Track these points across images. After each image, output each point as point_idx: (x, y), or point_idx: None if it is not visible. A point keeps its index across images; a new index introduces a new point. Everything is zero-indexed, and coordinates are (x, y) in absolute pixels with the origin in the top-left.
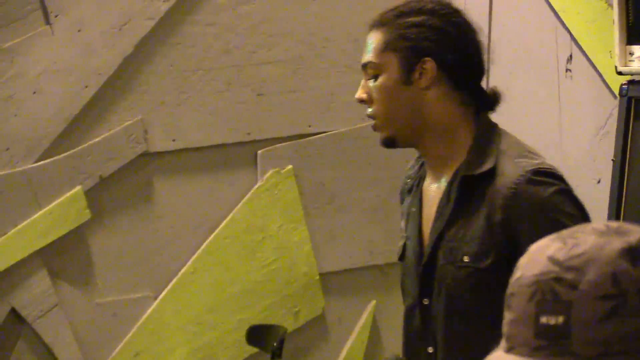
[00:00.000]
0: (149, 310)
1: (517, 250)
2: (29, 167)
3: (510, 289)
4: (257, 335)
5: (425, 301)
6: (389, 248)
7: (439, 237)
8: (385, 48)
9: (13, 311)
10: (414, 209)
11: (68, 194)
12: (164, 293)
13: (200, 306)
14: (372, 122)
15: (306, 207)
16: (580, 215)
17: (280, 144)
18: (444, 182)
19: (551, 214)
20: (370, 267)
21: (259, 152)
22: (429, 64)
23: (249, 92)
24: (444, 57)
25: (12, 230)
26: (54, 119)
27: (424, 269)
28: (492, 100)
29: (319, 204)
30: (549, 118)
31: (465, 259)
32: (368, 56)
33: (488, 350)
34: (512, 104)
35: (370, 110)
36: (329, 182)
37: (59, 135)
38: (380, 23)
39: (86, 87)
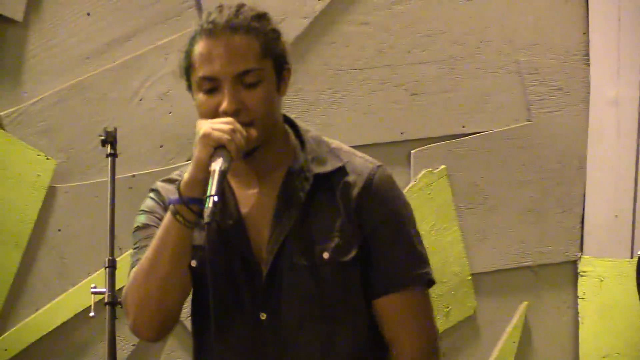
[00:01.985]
0: None
1: (369, 241)
2: (182, 164)
3: None
4: None
5: (263, 316)
6: (542, 249)
7: (285, 242)
8: (264, 55)
9: None
10: (230, 222)
11: None
12: None
13: None
14: (524, 123)
15: (459, 207)
16: (410, 208)
17: (433, 144)
18: (270, 189)
19: (397, 206)
20: (522, 268)
21: (413, 151)
22: (287, 72)
23: (403, 91)
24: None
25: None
26: None
27: (266, 278)
28: None
29: (471, 204)
30: None
31: (325, 255)
32: (245, 63)
33: (353, 350)
34: None
35: (244, 118)
36: (481, 182)
37: None
38: (246, 28)
39: None
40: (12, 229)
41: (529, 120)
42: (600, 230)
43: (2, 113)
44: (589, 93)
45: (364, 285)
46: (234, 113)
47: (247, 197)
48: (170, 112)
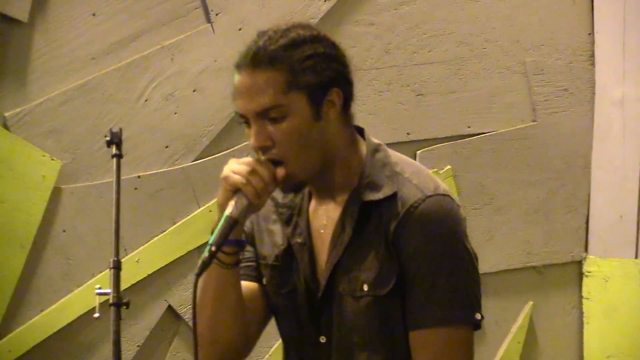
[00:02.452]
0: None
1: (406, 274)
2: (188, 165)
3: None
4: None
5: (323, 339)
6: (547, 249)
7: (336, 268)
8: (290, 87)
9: (170, 308)
10: (299, 240)
11: None
12: None
13: None
14: (530, 123)
15: (464, 207)
16: (467, 244)
17: (439, 145)
18: (335, 211)
19: (441, 239)
20: (527, 269)
21: (418, 152)
22: (335, 94)
23: (409, 92)
24: (343, 84)
25: (171, 228)
26: (214, 117)
27: (319, 303)
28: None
29: (477, 205)
30: None
31: (365, 287)
32: (266, 100)
33: None
34: None
35: (274, 153)
36: (487, 182)
37: (219, 133)
38: (269, 61)
39: None
40: (17, 230)
41: (534, 121)
42: (606, 231)
43: (7, 114)
44: (594, 94)
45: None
46: (262, 148)
47: (318, 217)
48: (175, 113)
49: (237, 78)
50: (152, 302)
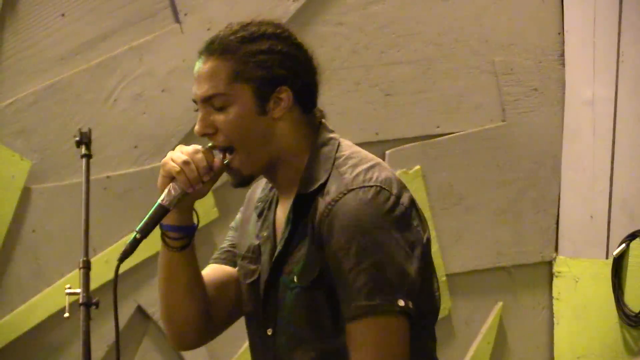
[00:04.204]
0: None
1: (330, 267)
2: (157, 165)
3: None
4: None
5: (269, 331)
6: (517, 250)
7: (279, 261)
8: (236, 78)
9: (139, 309)
10: (265, 234)
11: None
12: None
13: None
14: (499, 123)
15: (433, 207)
16: (388, 235)
17: (408, 145)
18: (288, 206)
19: (359, 232)
20: (497, 269)
21: (387, 152)
22: (285, 93)
23: (378, 92)
24: (296, 84)
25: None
26: (182, 117)
27: (265, 294)
28: (320, 116)
29: (446, 205)
30: None
31: (295, 279)
32: (211, 87)
33: None
34: None
35: (219, 140)
36: (456, 183)
37: (188, 133)
38: (222, 50)
39: None
40: None
41: (504, 121)
42: (576, 231)
43: None
44: (564, 93)
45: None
46: (205, 135)
47: (280, 211)
48: (144, 113)
49: (196, 64)
50: (121, 302)
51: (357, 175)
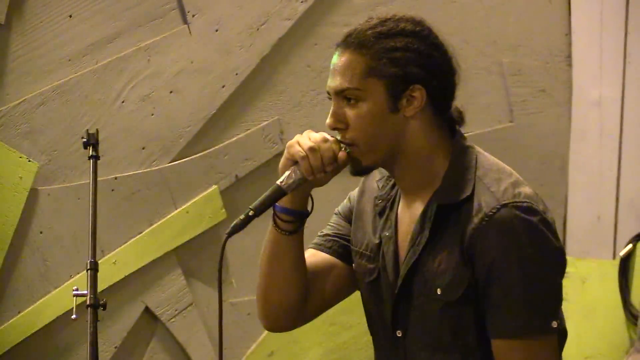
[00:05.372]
0: None
1: (480, 282)
2: (165, 166)
3: None
4: None
5: (399, 333)
6: None
7: (414, 267)
8: (369, 73)
9: (147, 310)
10: (387, 234)
11: (204, 194)
12: None
13: (335, 307)
14: (507, 124)
15: None
16: (545, 253)
17: None
18: (418, 209)
19: (517, 250)
20: None
21: None
22: (418, 92)
23: None
24: (431, 84)
25: (148, 229)
26: (190, 118)
27: (396, 298)
28: (460, 119)
29: None
30: None
31: (438, 291)
32: (345, 81)
33: None
34: None
35: (347, 136)
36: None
37: (196, 134)
38: (358, 45)
39: (223, 87)
40: None
41: (511, 122)
42: (583, 232)
43: None
44: (571, 94)
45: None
46: (334, 129)
47: (405, 213)
48: (152, 114)
49: (333, 57)
50: (129, 304)
51: (506, 190)
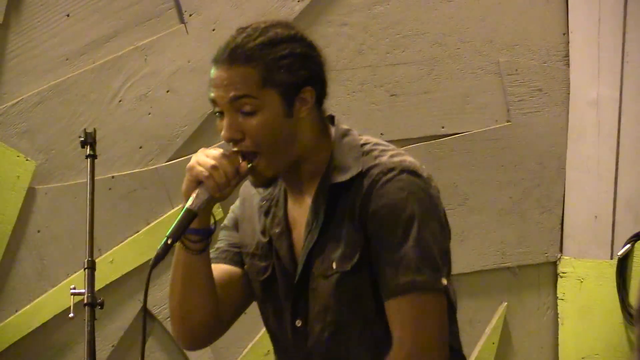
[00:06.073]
0: None
1: (372, 246)
2: (162, 165)
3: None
4: None
5: (299, 323)
6: (521, 250)
7: (313, 252)
8: (264, 84)
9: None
10: (277, 230)
11: None
12: None
13: None
14: (504, 124)
15: None
16: (431, 213)
17: (413, 145)
18: (308, 200)
19: (403, 208)
20: (502, 269)
21: None
22: (308, 93)
23: (383, 92)
24: (317, 82)
25: (145, 228)
26: (187, 117)
27: (296, 287)
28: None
29: (451, 205)
30: None
31: (334, 265)
32: (240, 89)
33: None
34: None
35: (245, 146)
36: (461, 183)
37: (192, 134)
38: (246, 58)
39: None
40: None
41: (508, 121)
42: (580, 231)
43: None
44: (569, 94)
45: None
46: (232, 140)
47: (293, 208)
48: (149, 114)
49: (213, 72)
50: (126, 303)
51: (392, 157)
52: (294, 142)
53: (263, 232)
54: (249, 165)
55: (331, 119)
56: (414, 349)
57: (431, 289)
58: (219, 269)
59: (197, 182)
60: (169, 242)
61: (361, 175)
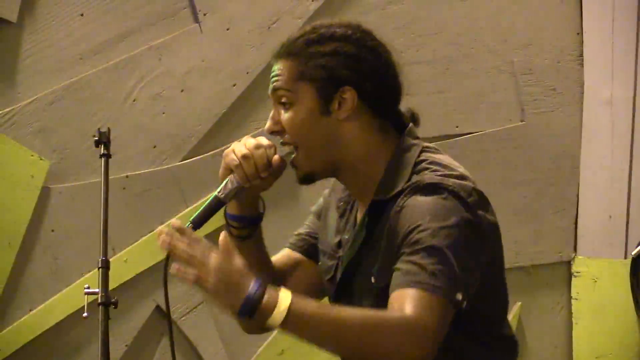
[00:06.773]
0: None
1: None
2: (176, 165)
3: None
4: None
5: None
6: (535, 249)
7: (353, 266)
8: (299, 78)
9: (158, 308)
10: (346, 237)
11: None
12: None
13: None
14: (518, 123)
15: None
16: (455, 226)
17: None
18: (364, 211)
19: (410, 223)
20: (515, 269)
21: None
22: (349, 94)
23: None
24: (363, 86)
25: (159, 227)
26: (201, 117)
27: (337, 296)
28: (411, 121)
29: None
30: None
31: (372, 280)
32: (278, 85)
33: None
34: None
35: (286, 139)
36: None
37: (206, 133)
38: (288, 53)
39: (234, 85)
40: (5, 230)
41: (522, 121)
42: (594, 231)
43: None
44: (583, 93)
45: None
46: (271, 132)
47: (359, 216)
48: (163, 113)
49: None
50: (140, 302)
51: (438, 175)
52: (334, 143)
53: (336, 233)
54: (290, 159)
55: (400, 130)
56: (412, 318)
57: (443, 296)
58: (291, 256)
59: (230, 170)
60: (190, 227)
61: (401, 192)
